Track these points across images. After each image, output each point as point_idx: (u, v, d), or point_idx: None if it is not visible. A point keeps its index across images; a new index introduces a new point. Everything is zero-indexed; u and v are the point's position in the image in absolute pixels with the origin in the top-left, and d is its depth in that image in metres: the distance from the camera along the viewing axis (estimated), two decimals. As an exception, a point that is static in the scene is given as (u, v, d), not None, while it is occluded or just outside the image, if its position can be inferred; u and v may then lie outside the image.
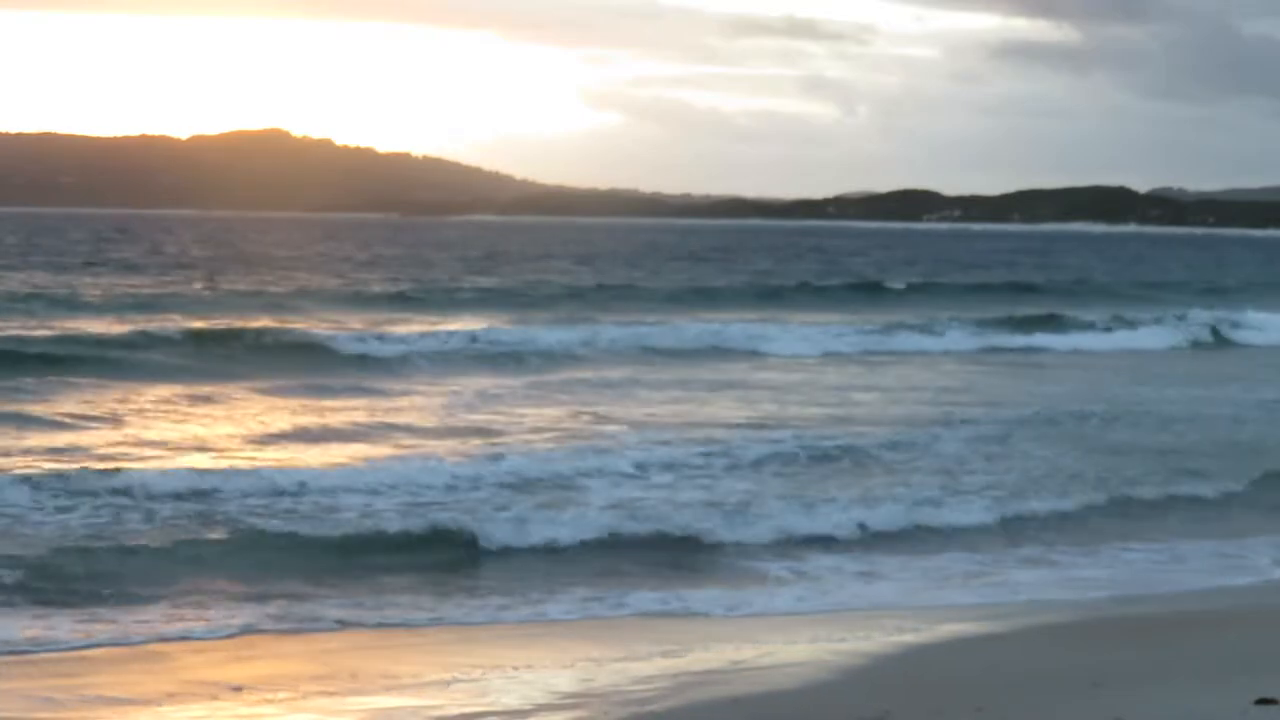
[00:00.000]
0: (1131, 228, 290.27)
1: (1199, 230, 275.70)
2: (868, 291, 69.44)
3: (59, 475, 20.26)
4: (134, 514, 18.79)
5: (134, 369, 33.71)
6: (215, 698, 12.23)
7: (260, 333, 40.12)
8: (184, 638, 14.31)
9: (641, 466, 22.58)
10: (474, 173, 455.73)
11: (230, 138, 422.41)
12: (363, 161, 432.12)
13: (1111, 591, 16.85)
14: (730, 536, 18.78)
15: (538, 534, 18.32)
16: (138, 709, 11.98)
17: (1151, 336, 51.70)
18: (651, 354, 41.34)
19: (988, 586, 17.09)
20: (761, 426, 27.30)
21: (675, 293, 65.73)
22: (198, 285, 62.40)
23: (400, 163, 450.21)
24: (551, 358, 39.24)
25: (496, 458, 22.84)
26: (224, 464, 22.19)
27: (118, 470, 20.52)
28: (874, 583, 17.19)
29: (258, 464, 22.24)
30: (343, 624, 15.00)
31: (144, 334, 39.18)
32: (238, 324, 42.80)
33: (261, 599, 15.66)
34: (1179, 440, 26.98)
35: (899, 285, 72.43)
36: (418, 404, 30.15)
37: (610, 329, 45.40)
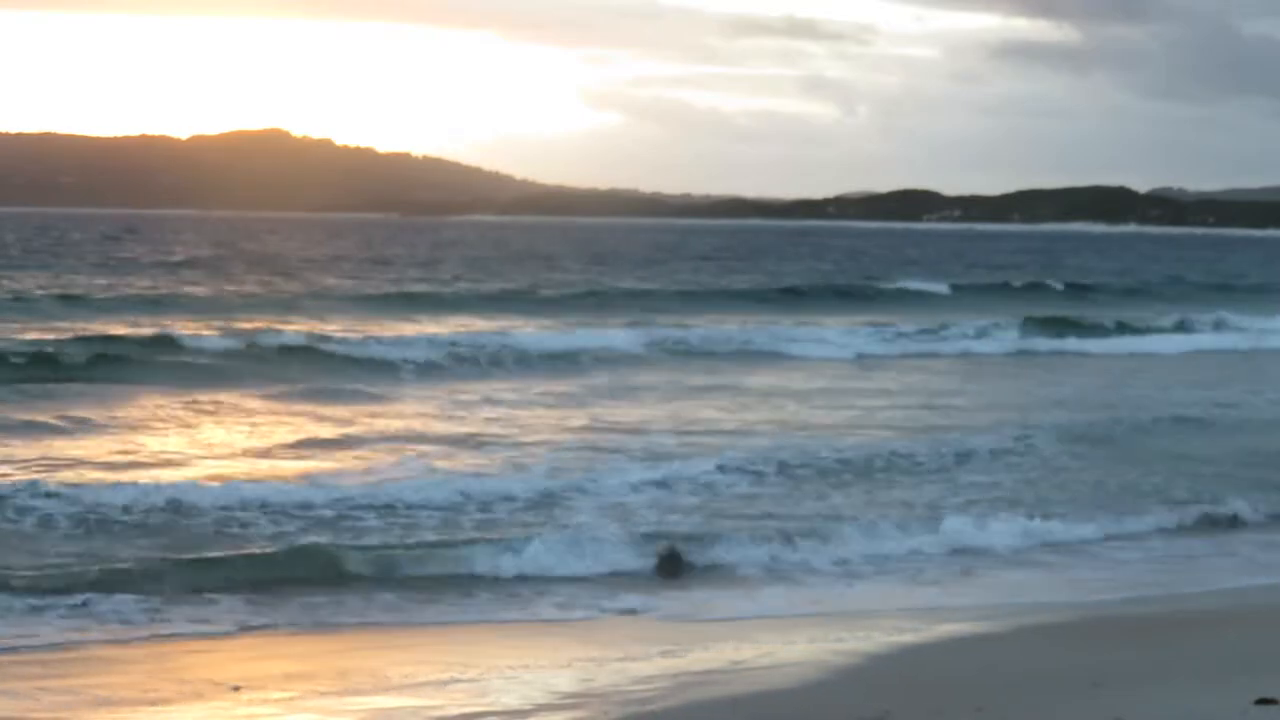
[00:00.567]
0: (1131, 228, 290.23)
1: (1199, 230, 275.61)
2: (914, 293, 68.92)
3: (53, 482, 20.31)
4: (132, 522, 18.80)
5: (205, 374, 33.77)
6: (215, 698, 12.23)
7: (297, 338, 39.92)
8: (184, 638, 14.32)
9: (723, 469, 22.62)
10: (474, 173, 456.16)
11: (230, 138, 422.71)
12: (363, 161, 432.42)
13: (1112, 592, 16.87)
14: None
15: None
16: (137, 709, 11.98)
17: (1225, 340, 51.19)
18: (710, 358, 41.12)
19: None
20: (855, 427, 27.24)
21: (709, 294, 65.58)
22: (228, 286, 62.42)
23: (400, 163, 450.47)
24: (605, 362, 38.97)
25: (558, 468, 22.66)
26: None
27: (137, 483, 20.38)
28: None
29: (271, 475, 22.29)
30: (343, 624, 15.01)
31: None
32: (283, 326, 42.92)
33: (262, 599, 15.66)
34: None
35: (941, 288, 71.77)
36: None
37: (655, 331, 45.37)
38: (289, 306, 53.71)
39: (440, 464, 22.83)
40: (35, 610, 14.83)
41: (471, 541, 17.91)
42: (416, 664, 13.42)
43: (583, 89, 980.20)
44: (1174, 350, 48.17)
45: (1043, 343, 48.67)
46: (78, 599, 15.17)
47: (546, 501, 20.35)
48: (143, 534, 18.02)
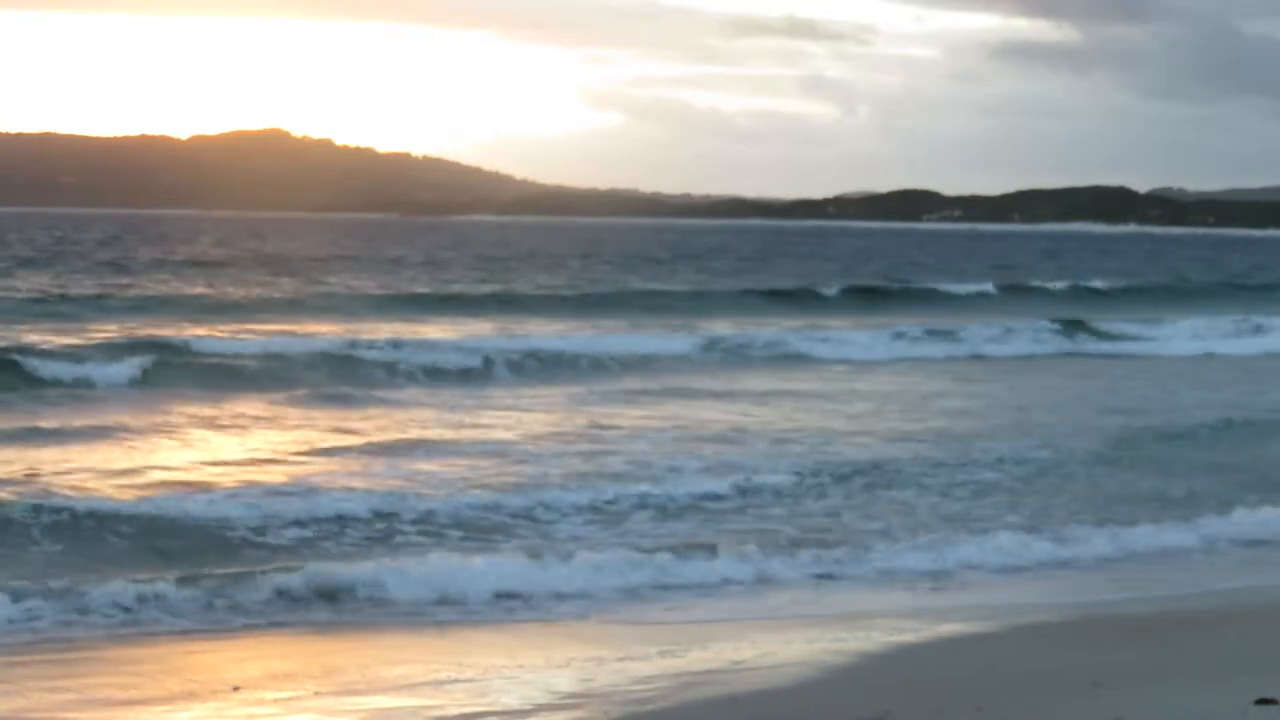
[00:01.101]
0: (1132, 228, 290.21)
1: (1200, 230, 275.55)
2: (960, 295, 68.64)
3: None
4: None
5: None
6: (214, 698, 12.23)
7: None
8: (184, 638, 14.32)
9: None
10: (474, 173, 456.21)
11: (230, 138, 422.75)
12: (363, 161, 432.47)
13: (1111, 592, 16.87)
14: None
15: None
16: (137, 709, 11.97)
17: None
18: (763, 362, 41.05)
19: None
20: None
21: (751, 295, 65.23)
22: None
23: (400, 163, 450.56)
24: (662, 365, 38.98)
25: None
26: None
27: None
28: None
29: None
30: (342, 625, 15.00)
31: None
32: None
33: (261, 601, 15.65)
34: None
35: (984, 287, 71.57)
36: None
37: (716, 334, 45.38)
38: (338, 308, 53.67)
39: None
40: (35, 611, 14.83)
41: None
42: (415, 664, 13.42)
43: (583, 89, 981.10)
44: (1252, 352, 47.73)
45: (1108, 345, 48.69)
46: (76, 600, 15.17)
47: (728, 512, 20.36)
48: (151, 540, 18.01)
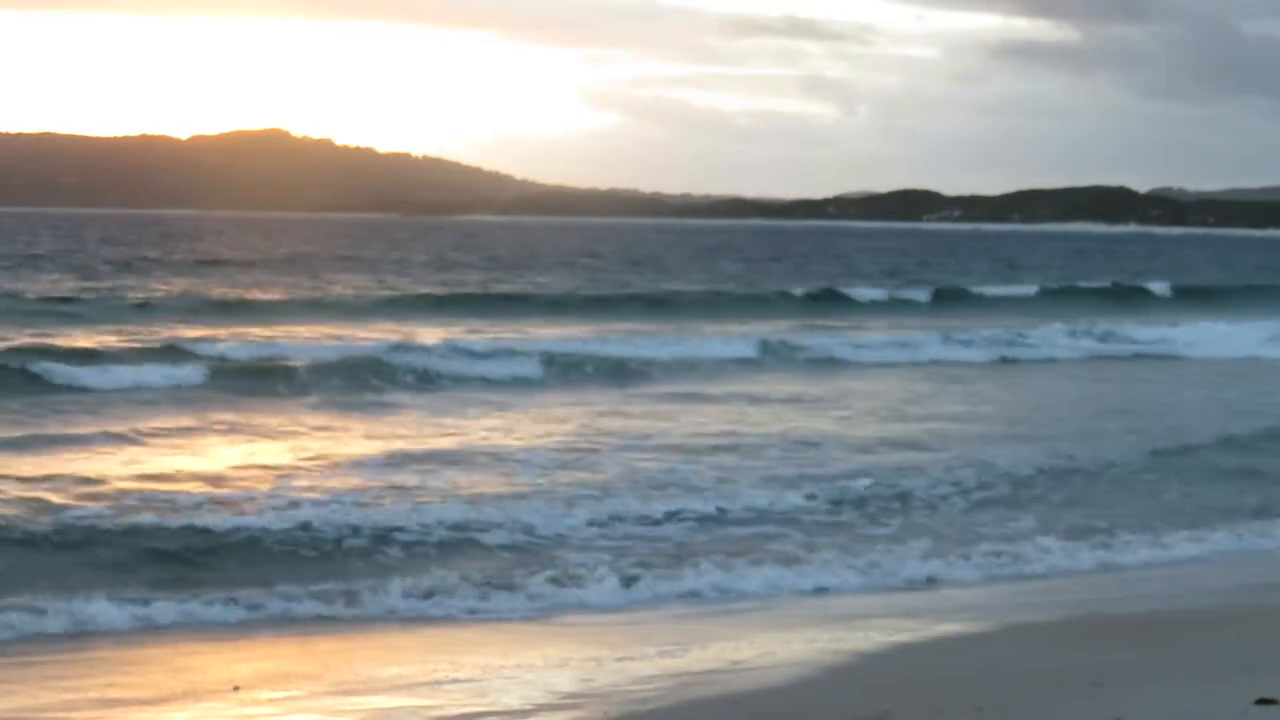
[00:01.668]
0: (1132, 228, 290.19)
1: (1199, 230, 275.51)
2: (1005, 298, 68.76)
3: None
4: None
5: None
6: (214, 698, 12.23)
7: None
8: (184, 638, 14.32)
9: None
10: (474, 173, 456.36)
11: (230, 138, 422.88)
12: (363, 161, 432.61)
13: (1111, 592, 16.87)
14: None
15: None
16: (137, 709, 11.98)
17: None
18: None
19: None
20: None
21: (791, 298, 65.16)
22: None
23: (400, 163, 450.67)
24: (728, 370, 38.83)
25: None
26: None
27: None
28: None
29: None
30: (343, 624, 15.00)
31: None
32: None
33: (256, 602, 15.67)
34: None
35: (1029, 291, 71.66)
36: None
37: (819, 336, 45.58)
38: (390, 311, 53.77)
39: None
40: (35, 612, 14.84)
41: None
42: (416, 664, 13.42)
43: (583, 89, 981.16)
44: None
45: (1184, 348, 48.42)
46: (76, 600, 15.17)
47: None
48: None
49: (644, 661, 13.35)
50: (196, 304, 53.72)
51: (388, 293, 62.24)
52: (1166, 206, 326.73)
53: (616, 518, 19.64)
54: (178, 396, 30.70)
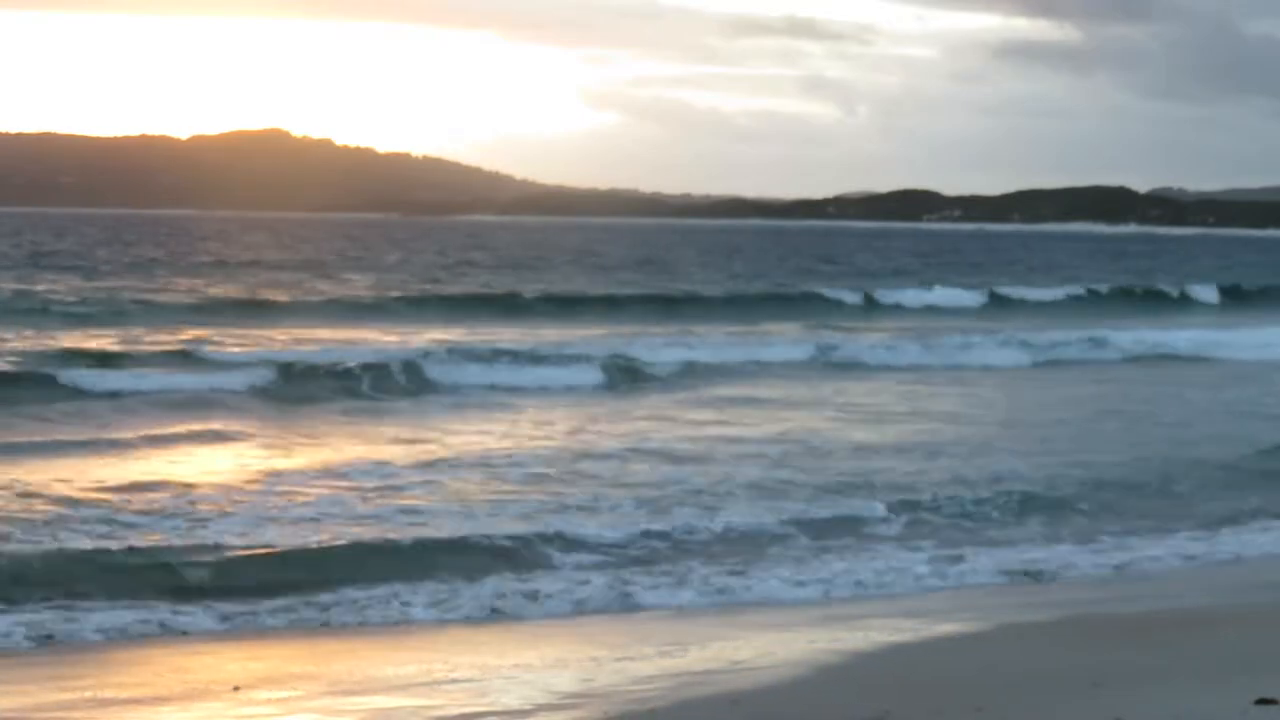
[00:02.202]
0: (1132, 228, 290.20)
1: (1200, 230, 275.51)
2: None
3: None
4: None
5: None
6: (215, 698, 12.22)
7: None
8: (184, 638, 14.32)
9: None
10: (474, 173, 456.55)
11: (230, 138, 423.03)
12: (363, 161, 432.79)
13: (1110, 592, 16.86)
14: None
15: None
16: (137, 709, 11.97)
17: None
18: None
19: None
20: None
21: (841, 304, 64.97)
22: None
23: (400, 163, 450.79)
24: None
25: None
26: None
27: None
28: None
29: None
30: (342, 624, 15.00)
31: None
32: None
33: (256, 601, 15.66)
34: None
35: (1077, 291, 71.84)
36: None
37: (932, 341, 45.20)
38: (440, 312, 53.90)
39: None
40: (35, 612, 14.84)
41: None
42: (414, 664, 13.42)
43: (583, 89, 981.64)
44: None
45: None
46: (77, 601, 15.17)
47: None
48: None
49: (643, 661, 13.35)
50: (232, 306, 53.67)
51: (441, 291, 61.92)
52: (1166, 206, 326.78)
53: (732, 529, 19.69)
54: (216, 401, 30.67)
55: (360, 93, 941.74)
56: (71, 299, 54.37)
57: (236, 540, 17.95)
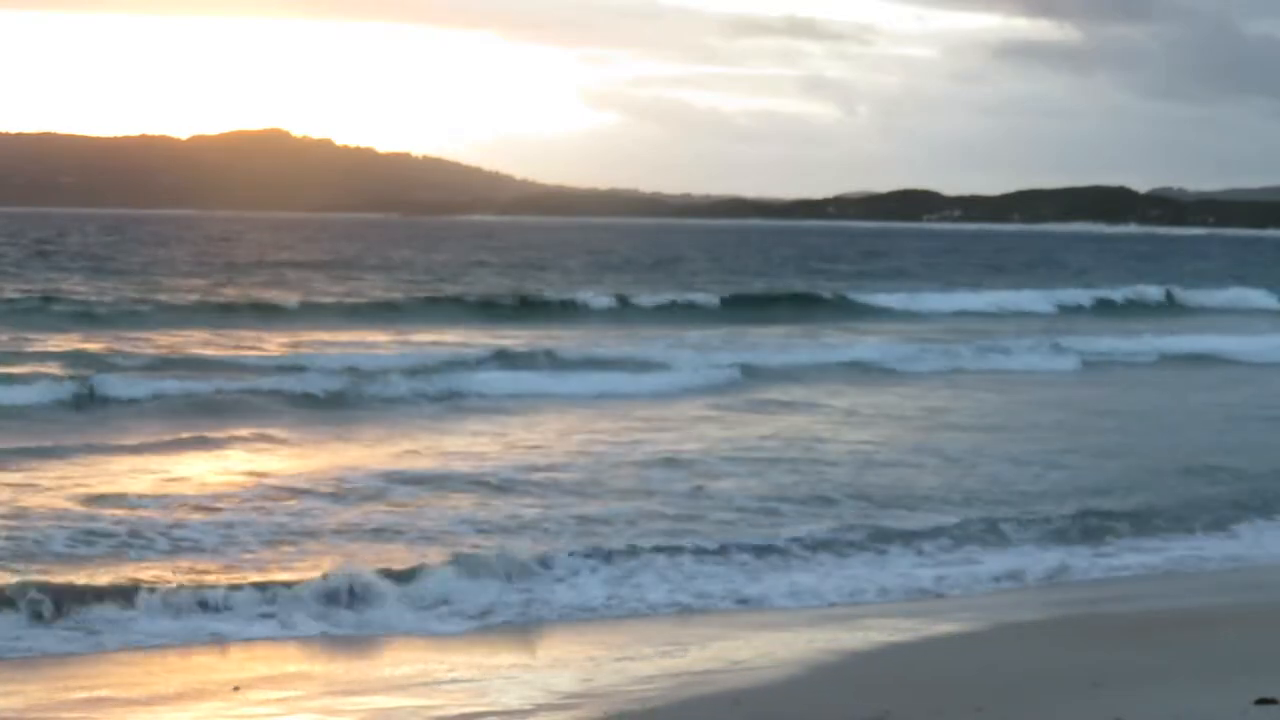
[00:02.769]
0: (1132, 228, 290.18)
1: (1200, 230, 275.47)
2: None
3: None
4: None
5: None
6: (215, 698, 12.22)
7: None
8: (184, 638, 14.31)
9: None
10: (474, 173, 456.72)
11: (230, 138, 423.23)
12: (363, 161, 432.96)
13: (1110, 592, 16.86)
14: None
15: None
16: (138, 709, 11.97)
17: None
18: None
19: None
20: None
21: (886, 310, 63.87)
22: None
23: (400, 163, 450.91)
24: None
25: None
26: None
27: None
28: None
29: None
30: (342, 625, 14.99)
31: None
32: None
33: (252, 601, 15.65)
34: None
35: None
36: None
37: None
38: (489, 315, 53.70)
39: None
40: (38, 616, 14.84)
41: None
42: (414, 664, 13.42)
43: (583, 89, 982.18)
44: None
45: None
46: (79, 601, 15.16)
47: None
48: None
49: (644, 661, 13.35)
50: (273, 308, 53.36)
51: (498, 298, 61.05)
52: (1166, 206, 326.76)
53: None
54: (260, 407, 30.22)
55: (360, 93, 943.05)
56: (110, 299, 54.25)
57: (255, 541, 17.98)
